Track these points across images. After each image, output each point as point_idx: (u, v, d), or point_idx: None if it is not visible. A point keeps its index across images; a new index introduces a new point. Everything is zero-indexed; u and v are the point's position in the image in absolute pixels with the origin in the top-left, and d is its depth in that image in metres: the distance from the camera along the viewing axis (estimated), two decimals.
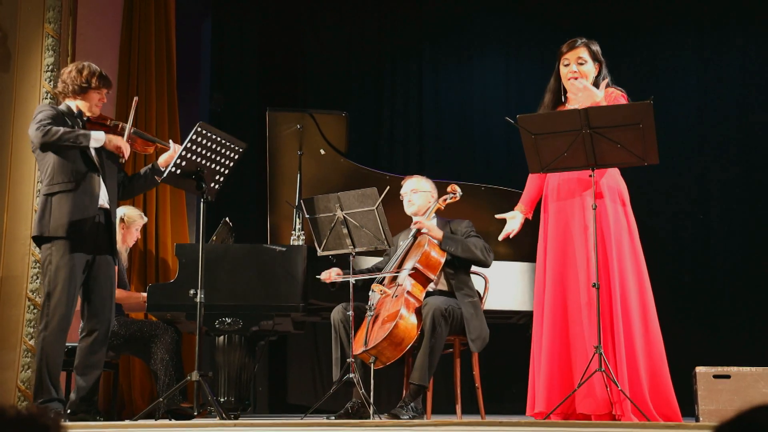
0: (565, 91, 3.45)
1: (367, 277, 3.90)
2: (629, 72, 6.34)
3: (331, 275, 3.88)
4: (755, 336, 5.70)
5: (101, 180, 3.61)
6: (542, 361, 3.32)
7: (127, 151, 3.59)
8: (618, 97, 3.41)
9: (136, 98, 3.74)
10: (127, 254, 4.73)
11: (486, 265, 3.96)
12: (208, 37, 6.32)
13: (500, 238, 3.63)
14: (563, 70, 3.43)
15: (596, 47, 3.44)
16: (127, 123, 3.68)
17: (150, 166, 3.88)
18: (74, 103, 3.67)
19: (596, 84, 3.41)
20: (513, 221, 3.62)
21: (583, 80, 3.35)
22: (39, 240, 3.59)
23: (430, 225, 3.92)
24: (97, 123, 3.69)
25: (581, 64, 3.40)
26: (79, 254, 3.55)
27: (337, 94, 6.67)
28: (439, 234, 3.90)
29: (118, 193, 3.79)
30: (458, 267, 3.94)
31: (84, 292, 3.65)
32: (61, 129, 3.50)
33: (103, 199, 3.64)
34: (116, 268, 3.84)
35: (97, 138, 3.52)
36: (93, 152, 3.60)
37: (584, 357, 3.19)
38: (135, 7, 5.31)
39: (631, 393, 3.18)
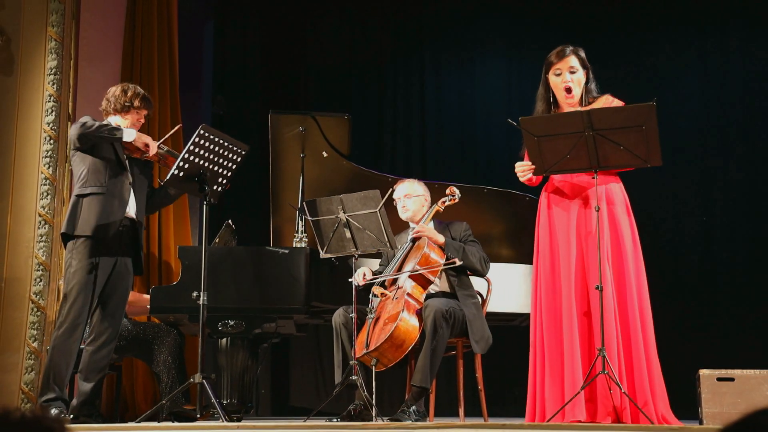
0: (556, 100, 3.47)
1: (392, 276, 3.88)
2: (630, 73, 6.35)
3: (364, 276, 3.87)
4: (759, 338, 5.69)
5: (132, 189, 3.74)
6: (568, 370, 3.25)
7: (153, 149, 3.71)
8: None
9: (180, 126, 4.08)
10: None
11: (482, 275, 3.98)
12: (210, 40, 6.33)
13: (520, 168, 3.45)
14: (555, 80, 3.44)
15: (583, 54, 3.47)
16: (158, 140, 3.85)
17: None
18: (115, 119, 3.83)
19: (588, 90, 3.43)
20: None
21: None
22: (66, 237, 3.70)
23: (431, 232, 3.93)
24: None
25: (573, 72, 3.42)
26: (101, 258, 3.64)
27: (339, 97, 6.68)
28: (441, 240, 3.91)
29: (148, 206, 3.92)
30: (459, 268, 3.94)
31: (100, 296, 3.70)
32: (98, 123, 3.67)
33: (132, 208, 3.74)
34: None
35: (129, 132, 3.69)
36: (127, 163, 3.75)
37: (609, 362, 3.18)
38: (137, 11, 5.32)
39: (644, 396, 3.19)
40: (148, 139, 3.73)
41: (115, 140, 3.67)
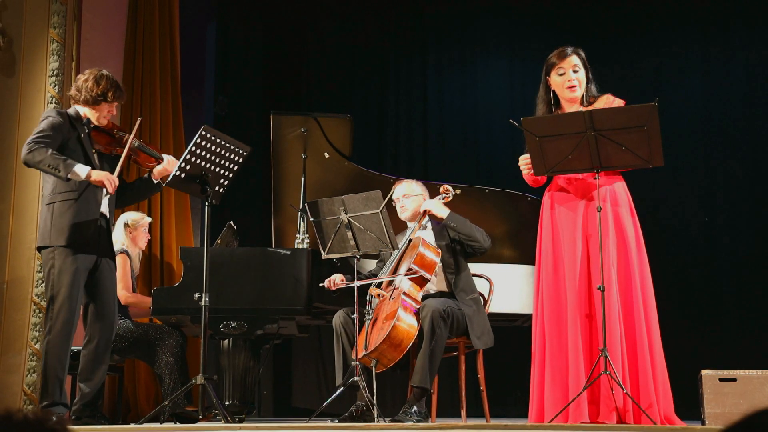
0: (557, 101, 3.47)
1: (369, 282, 3.89)
2: (633, 74, 6.34)
3: (334, 282, 3.88)
4: (762, 339, 5.68)
5: (103, 190, 3.59)
6: (572, 370, 3.25)
7: (111, 185, 3.48)
8: (621, 105, 3.42)
9: (140, 119, 3.76)
10: (140, 259, 4.73)
11: (483, 247, 3.95)
12: (212, 41, 6.34)
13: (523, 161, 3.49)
14: (558, 80, 3.44)
15: (583, 54, 3.47)
16: (131, 135, 3.64)
17: (142, 177, 3.88)
18: (83, 110, 3.64)
19: (588, 90, 3.44)
20: None
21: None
22: (42, 249, 3.60)
23: (435, 205, 3.96)
24: (102, 131, 3.67)
25: (576, 71, 3.42)
26: (82, 257, 3.55)
27: (341, 98, 6.68)
28: (445, 213, 3.93)
29: (120, 200, 3.81)
30: (459, 261, 3.94)
31: (88, 296, 3.64)
32: (48, 152, 3.44)
33: (104, 207, 3.65)
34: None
35: (78, 172, 3.44)
36: (96, 160, 3.60)
37: (612, 361, 3.17)
38: (139, 12, 5.32)
39: (648, 397, 3.19)
40: (101, 176, 3.46)
41: (58, 177, 3.44)
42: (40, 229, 3.60)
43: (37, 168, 3.52)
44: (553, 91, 3.48)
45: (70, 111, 3.65)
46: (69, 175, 3.43)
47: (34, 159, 3.45)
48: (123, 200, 3.87)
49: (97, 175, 3.47)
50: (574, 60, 3.42)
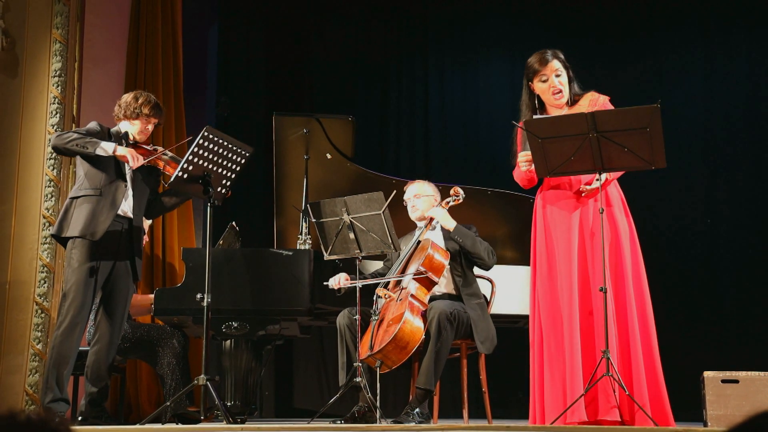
0: (542, 105, 3.47)
1: (374, 282, 3.90)
2: (635, 75, 6.34)
3: (339, 281, 3.88)
4: (764, 340, 5.68)
5: (128, 191, 3.73)
6: (569, 371, 3.25)
7: (133, 161, 3.64)
8: (606, 102, 3.43)
9: (189, 138, 3.93)
10: None
11: (488, 265, 3.97)
12: (214, 42, 6.35)
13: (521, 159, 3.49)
14: (542, 86, 3.45)
15: (562, 55, 3.48)
16: (165, 149, 3.85)
17: (170, 190, 3.98)
18: (123, 126, 3.83)
19: (571, 89, 3.45)
20: None
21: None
22: (58, 239, 3.73)
23: (443, 217, 3.95)
24: (140, 146, 3.84)
25: (558, 75, 3.43)
26: (100, 257, 3.64)
27: (343, 99, 6.68)
28: (451, 225, 3.93)
29: (149, 211, 3.91)
30: (465, 268, 3.94)
31: (102, 296, 3.73)
32: (74, 134, 3.64)
33: (128, 208, 3.74)
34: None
35: (106, 148, 3.62)
36: (127, 168, 3.73)
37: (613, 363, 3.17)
38: (142, 13, 5.33)
39: (641, 399, 3.18)
40: (125, 151, 3.63)
41: (86, 154, 3.61)
42: (58, 219, 3.73)
43: (66, 149, 3.63)
44: (538, 96, 3.49)
45: (114, 129, 3.83)
46: (96, 151, 3.59)
47: (61, 139, 3.62)
48: (150, 211, 3.97)
49: (122, 150, 3.64)
50: (555, 65, 3.43)
